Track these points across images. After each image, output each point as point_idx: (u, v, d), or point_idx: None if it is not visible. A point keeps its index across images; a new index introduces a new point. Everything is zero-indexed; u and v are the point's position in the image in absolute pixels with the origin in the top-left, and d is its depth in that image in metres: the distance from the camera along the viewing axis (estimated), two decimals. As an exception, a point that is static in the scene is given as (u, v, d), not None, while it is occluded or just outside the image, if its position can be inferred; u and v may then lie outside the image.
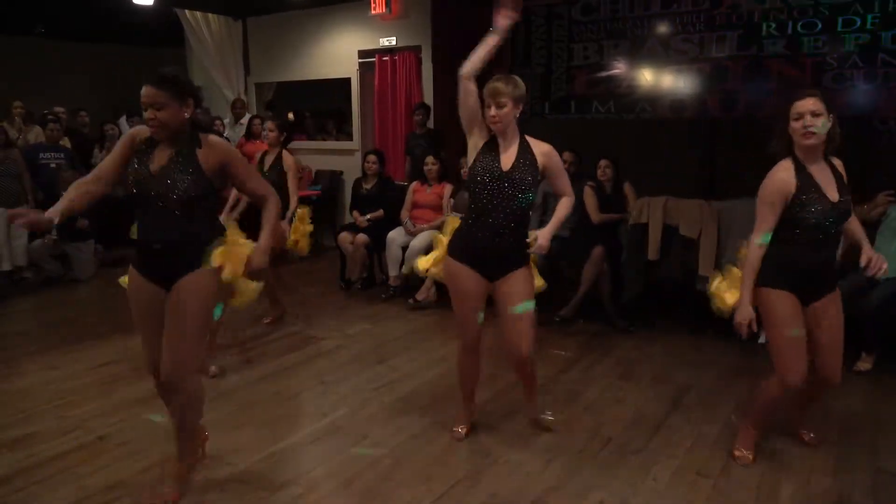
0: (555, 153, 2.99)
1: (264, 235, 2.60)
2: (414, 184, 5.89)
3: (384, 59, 7.47)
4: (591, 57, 6.35)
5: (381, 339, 4.70)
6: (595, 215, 4.95)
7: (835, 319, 2.77)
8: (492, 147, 2.92)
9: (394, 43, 7.35)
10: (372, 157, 6.01)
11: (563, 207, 3.04)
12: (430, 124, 6.90)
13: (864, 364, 3.95)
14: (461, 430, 3.19)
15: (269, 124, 4.99)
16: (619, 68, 6.24)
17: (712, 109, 5.84)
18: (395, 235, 5.63)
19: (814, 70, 5.31)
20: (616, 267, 4.81)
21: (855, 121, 4.78)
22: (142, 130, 2.55)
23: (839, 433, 3.18)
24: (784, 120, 2.68)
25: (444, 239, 3.14)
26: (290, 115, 10.19)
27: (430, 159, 5.73)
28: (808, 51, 5.29)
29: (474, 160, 2.93)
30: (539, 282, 3.08)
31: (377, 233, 5.73)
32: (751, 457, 2.93)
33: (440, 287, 5.41)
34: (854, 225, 2.81)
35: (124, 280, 2.69)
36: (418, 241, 5.46)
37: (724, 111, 5.79)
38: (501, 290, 2.95)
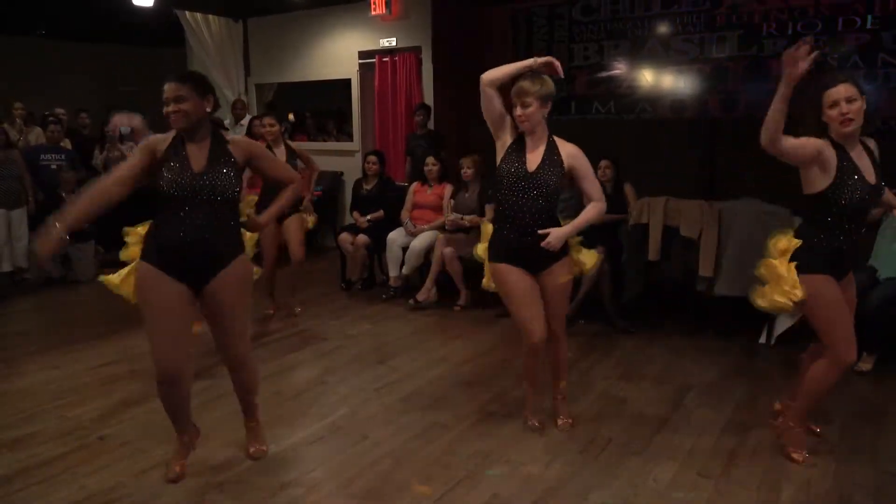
0: (581, 155, 2.98)
1: (275, 206, 2.86)
2: (414, 184, 5.89)
3: (384, 59, 7.47)
4: (591, 57, 6.35)
5: (382, 340, 4.70)
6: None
7: (853, 296, 2.87)
8: (519, 147, 2.93)
9: (394, 44, 7.35)
10: (372, 158, 6.02)
11: (591, 211, 2.99)
12: (431, 125, 6.90)
13: (865, 364, 3.94)
14: (535, 421, 3.23)
15: (267, 119, 5.07)
16: (619, 69, 6.25)
17: (712, 110, 5.85)
18: (396, 236, 5.63)
19: (814, 70, 5.30)
20: (616, 267, 4.81)
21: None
22: (159, 140, 2.59)
23: (840, 434, 3.18)
24: (815, 108, 2.68)
25: (482, 247, 3.16)
26: (291, 116, 10.20)
27: (430, 160, 5.73)
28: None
29: (501, 160, 2.95)
30: (589, 258, 3.18)
31: (377, 233, 5.73)
32: (806, 455, 2.92)
33: (441, 288, 5.43)
34: (886, 193, 2.85)
35: (110, 279, 2.69)
36: (419, 242, 5.46)
37: (724, 111, 5.79)
38: (543, 281, 3.02)
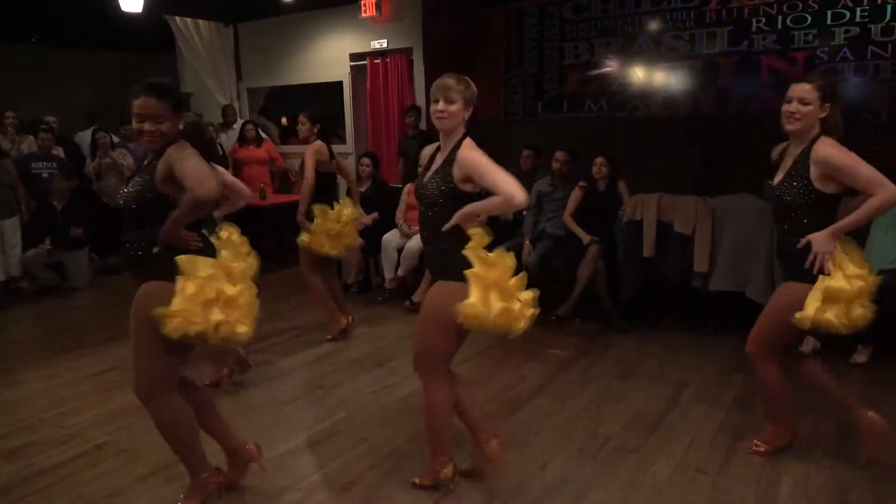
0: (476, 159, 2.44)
1: (171, 219, 2.30)
2: (408, 185, 5.88)
3: (375, 61, 7.47)
4: (582, 56, 6.36)
5: (379, 342, 4.69)
6: (566, 216, 5.00)
7: (770, 304, 2.80)
8: (434, 153, 2.76)
9: (385, 45, 7.35)
10: (366, 160, 6.01)
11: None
12: (423, 125, 6.90)
13: (861, 356, 3.96)
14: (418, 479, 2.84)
15: (300, 116, 4.89)
16: (610, 66, 6.26)
17: (704, 106, 5.87)
18: (391, 238, 5.63)
19: (805, 64, 5.34)
20: (612, 265, 4.81)
21: (846, 114, 4.81)
22: None
23: (837, 427, 3.18)
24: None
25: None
26: (284, 120, 10.18)
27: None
28: (799, 45, 5.34)
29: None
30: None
31: (372, 235, 5.73)
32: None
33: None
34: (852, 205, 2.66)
35: None
36: (414, 243, 5.46)
37: (716, 107, 5.81)
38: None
